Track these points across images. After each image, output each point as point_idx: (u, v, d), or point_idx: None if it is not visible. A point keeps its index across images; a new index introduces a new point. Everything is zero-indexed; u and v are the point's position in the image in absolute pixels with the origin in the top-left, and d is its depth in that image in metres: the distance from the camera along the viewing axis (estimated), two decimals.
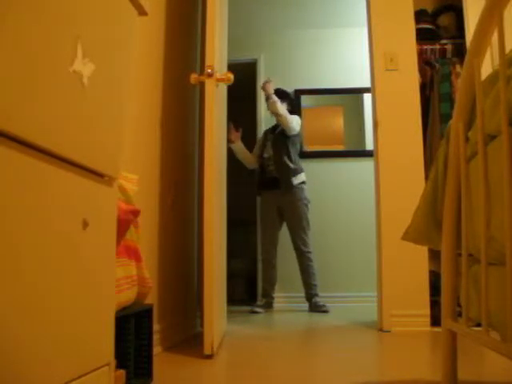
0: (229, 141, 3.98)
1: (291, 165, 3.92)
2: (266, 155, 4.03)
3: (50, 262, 0.74)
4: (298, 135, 4.05)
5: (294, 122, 3.91)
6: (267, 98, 3.89)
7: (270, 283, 3.96)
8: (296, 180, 3.92)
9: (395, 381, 1.55)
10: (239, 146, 4.12)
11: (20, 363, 0.66)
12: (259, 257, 4.47)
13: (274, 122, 4.23)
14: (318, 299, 3.84)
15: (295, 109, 4.30)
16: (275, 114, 3.88)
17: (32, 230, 0.69)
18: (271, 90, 3.88)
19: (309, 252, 3.88)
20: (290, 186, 3.89)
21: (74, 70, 0.79)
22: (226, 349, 2.20)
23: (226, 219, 2.81)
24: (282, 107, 3.88)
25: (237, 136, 4.07)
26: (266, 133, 4.19)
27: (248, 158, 4.18)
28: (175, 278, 2.54)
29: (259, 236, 4.57)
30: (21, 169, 0.67)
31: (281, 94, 4.01)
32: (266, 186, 4.02)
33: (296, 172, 3.93)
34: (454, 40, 3.23)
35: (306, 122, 4.65)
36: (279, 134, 4.00)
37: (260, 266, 4.49)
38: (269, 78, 4.05)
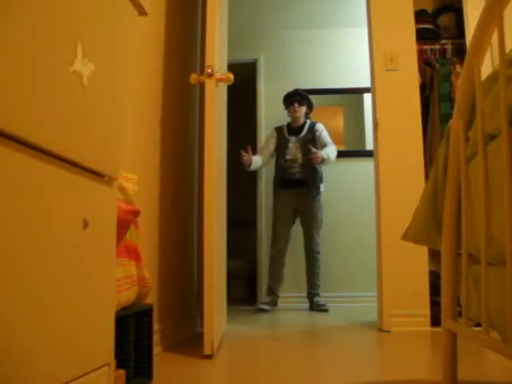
0: (245, 166, 3.99)
1: (320, 170, 4.03)
2: (288, 157, 4.01)
3: (50, 262, 0.74)
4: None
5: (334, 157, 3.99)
6: (322, 162, 3.87)
7: (278, 281, 3.98)
8: (323, 187, 4.05)
9: (395, 381, 1.55)
10: (254, 164, 4.05)
11: (20, 363, 0.66)
12: (260, 256, 4.47)
13: (283, 121, 4.22)
14: (318, 298, 3.92)
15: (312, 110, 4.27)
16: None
17: (32, 230, 0.69)
18: (321, 159, 3.85)
19: (318, 252, 3.96)
20: (319, 193, 3.99)
21: (74, 70, 0.79)
22: (226, 349, 2.20)
23: (225, 219, 2.81)
24: (332, 155, 3.93)
25: (249, 157, 3.96)
26: (281, 132, 4.12)
27: (259, 164, 4.13)
28: (175, 278, 2.54)
29: (259, 236, 4.56)
30: (21, 169, 0.67)
31: (304, 98, 4.08)
32: (286, 185, 4.03)
33: (322, 178, 4.06)
34: (454, 40, 3.23)
35: None
36: (307, 139, 4.00)
37: (259, 265, 4.48)
38: (314, 152, 3.83)
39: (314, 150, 3.84)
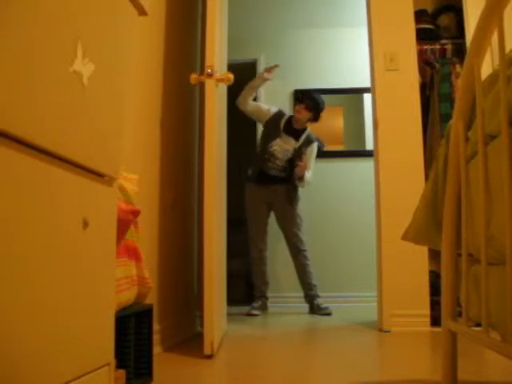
0: (263, 78, 3.72)
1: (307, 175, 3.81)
2: (270, 149, 3.75)
3: (50, 261, 0.74)
4: None
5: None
6: (300, 179, 3.73)
7: (265, 282, 3.80)
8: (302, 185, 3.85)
9: (395, 381, 1.55)
10: (261, 85, 3.81)
11: (20, 363, 0.66)
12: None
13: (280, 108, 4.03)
14: (320, 301, 3.69)
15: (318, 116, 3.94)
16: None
17: (32, 229, 0.69)
18: (303, 174, 3.73)
19: (305, 250, 3.74)
20: (296, 198, 3.81)
21: (74, 70, 0.79)
22: (225, 349, 2.20)
23: (225, 219, 2.81)
24: (310, 180, 3.81)
25: (273, 74, 3.71)
26: (279, 119, 3.84)
27: (248, 102, 3.79)
28: (175, 278, 2.54)
29: None
30: (21, 169, 0.67)
31: (315, 106, 3.82)
32: (261, 180, 3.79)
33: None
34: (454, 40, 3.23)
35: None
36: (299, 152, 3.78)
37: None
38: (303, 164, 3.71)
39: (303, 163, 3.69)
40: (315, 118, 3.85)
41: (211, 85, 2.13)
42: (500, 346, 0.91)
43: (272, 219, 3.88)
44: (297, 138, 3.81)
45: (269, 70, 3.74)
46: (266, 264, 3.81)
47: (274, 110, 3.90)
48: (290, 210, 3.77)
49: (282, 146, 3.79)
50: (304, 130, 3.87)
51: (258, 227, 3.80)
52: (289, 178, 3.77)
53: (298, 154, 3.78)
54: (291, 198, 3.78)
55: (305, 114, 3.80)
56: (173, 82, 2.58)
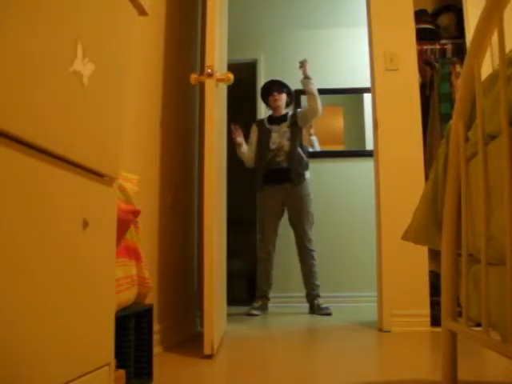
0: (238, 144, 3.84)
1: (305, 158, 3.84)
2: (273, 146, 3.79)
3: (50, 262, 0.74)
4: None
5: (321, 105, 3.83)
6: (306, 78, 3.76)
7: (268, 284, 3.83)
8: (307, 174, 3.85)
9: (395, 381, 1.55)
10: (246, 148, 3.91)
11: (20, 363, 0.66)
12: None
13: (268, 113, 4.12)
14: (320, 301, 3.71)
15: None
16: (312, 94, 3.74)
17: (32, 230, 0.69)
18: (309, 71, 3.80)
19: (313, 250, 3.77)
20: (303, 180, 3.79)
21: (74, 70, 0.79)
22: (225, 349, 2.20)
23: (225, 219, 2.81)
24: (315, 86, 3.80)
25: (241, 134, 3.86)
26: (262, 124, 3.95)
27: (251, 157, 3.93)
28: (175, 278, 2.54)
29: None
30: (21, 169, 0.67)
31: (282, 85, 3.94)
32: (272, 179, 3.82)
33: (307, 166, 3.86)
34: (454, 40, 3.23)
35: None
36: (291, 125, 3.84)
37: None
38: (305, 59, 3.87)
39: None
40: (291, 96, 4.00)
41: (211, 85, 2.13)
42: (500, 346, 0.91)
43: (283, 221, 3.90)
44: (285, 120, 3.89)
45: (234, 132, 3.85)
46: (272, 265, 3.85)
47: (254, 126, 4.03)
48: (304, 208, 3.79)
49: (279, 133, 3.84)
50: (286, 113, 3.93)
51: (269, 229, 3.84)
52: (294, 165, 3.77)
53: (294, 124, 3.83)
54: (303, 194, 3.80)
55: (281, 98, 3.91)
56: (173, 82, 2.58)
